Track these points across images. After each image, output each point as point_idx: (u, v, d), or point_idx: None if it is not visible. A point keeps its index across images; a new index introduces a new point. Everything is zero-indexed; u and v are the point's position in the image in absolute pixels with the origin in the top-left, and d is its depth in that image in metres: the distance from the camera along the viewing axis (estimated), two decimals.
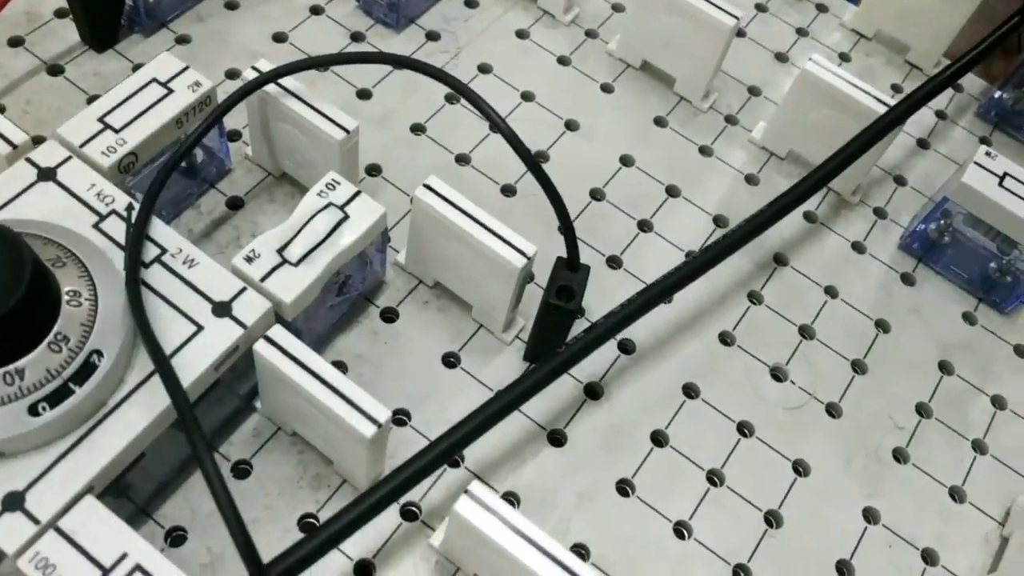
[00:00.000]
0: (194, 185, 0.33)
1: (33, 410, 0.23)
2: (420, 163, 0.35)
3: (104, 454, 0.24)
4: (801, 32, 0.42)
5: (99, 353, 0.24)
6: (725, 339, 0.33)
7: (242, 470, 0.28)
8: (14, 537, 0.22)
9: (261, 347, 0.26)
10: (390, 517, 0.28)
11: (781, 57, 0.41)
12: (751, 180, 0.37)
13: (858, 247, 0.36)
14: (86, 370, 0.23)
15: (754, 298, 0.34)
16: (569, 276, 0.29)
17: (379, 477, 0.28)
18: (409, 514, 0.28)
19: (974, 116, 0.41)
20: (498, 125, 0.28)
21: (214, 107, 0.30)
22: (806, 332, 0.34)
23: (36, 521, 0.22)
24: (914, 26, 0.40)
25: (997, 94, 0.40)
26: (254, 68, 0.30)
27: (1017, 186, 0.33)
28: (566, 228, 0.28)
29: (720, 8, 0.34)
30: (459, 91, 0.29)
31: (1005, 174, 0.33)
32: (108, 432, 0.24)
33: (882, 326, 0.34)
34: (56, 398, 0.23)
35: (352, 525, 0.24)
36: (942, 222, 0.35)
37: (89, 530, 0.23)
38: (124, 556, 0.22)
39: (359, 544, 0.27)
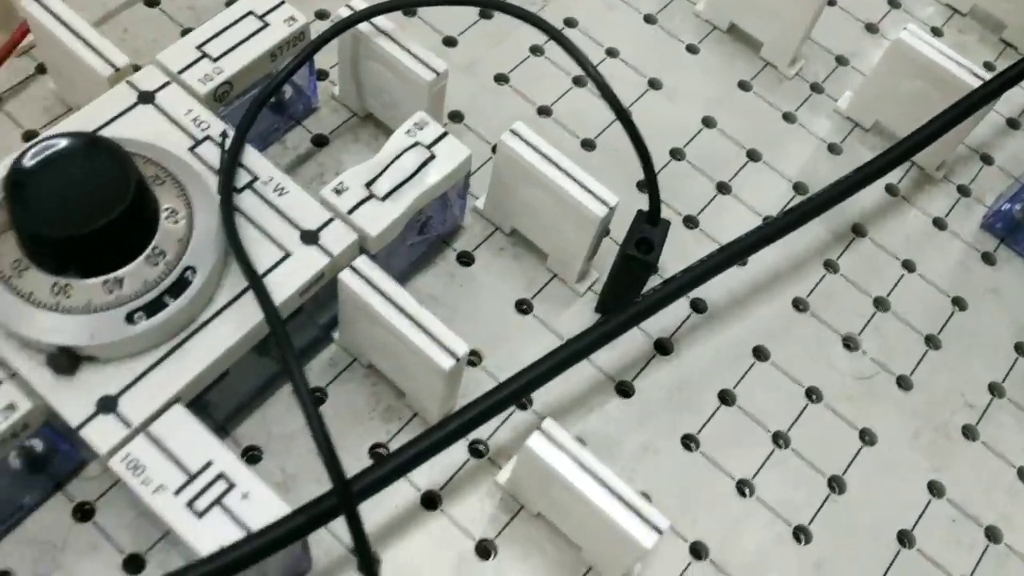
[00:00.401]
0: (281, 121, 0.33)
1: (130, 318, 0.24)
2: (502, 112, 0.35)
3: (194, 366, 0.24)
4: (893, 3, 0.41)
5: (193, 270, 0.24)
6: (798, 305, 0.33)
7: (317, 398, 0.29)
8: (107, 438, 0.23)
9: (346, 276, 0.26)
10: (458, 453, 0.28)
11: (872, 28, 0.40)
12: (834, 149, 0.36)
13: (939, 223, 0.35)
14: (180, 285, 0.24)
15: (830, 267, 0.34)
16: (649, 229, 0.29)
17: (450, 412, 0.28)
18: (476, 452, 0.29)
19: None
20: (590, 73, 0.28)
21: (307, 43, 0.30)
22: (881, 304, 0.33)
23: (128, 424, 0.23)
24: (1011, 2, 0.39)
25: None
26: (348, 6, 0.30)
27: None
28: (649, 181, 0.28)
29: None
30: (553, 36, 0.29)
31: None
32: (198, 346, 0.25)
33: (959, 303, 0.34)
34: (152, 309, 0.24)
35: (429, 451, 0.24)
36: None
37: (177, 437, 0.23)
38: (209, 464, 0.23)
39: (427, 476, 0.28)
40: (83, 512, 0.26)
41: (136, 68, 0.31)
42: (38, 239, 0.23)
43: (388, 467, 0.24)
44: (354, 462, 0.28)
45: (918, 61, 0.33)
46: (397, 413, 0.29)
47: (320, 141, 0.34)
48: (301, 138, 0.34)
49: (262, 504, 0.23)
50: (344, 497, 0.22)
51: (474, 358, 0.30)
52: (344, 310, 0.28)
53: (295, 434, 0.28)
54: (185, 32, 0.35)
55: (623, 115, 0.28)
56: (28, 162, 0.22)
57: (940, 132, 0.32)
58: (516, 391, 0.26)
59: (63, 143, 0.23)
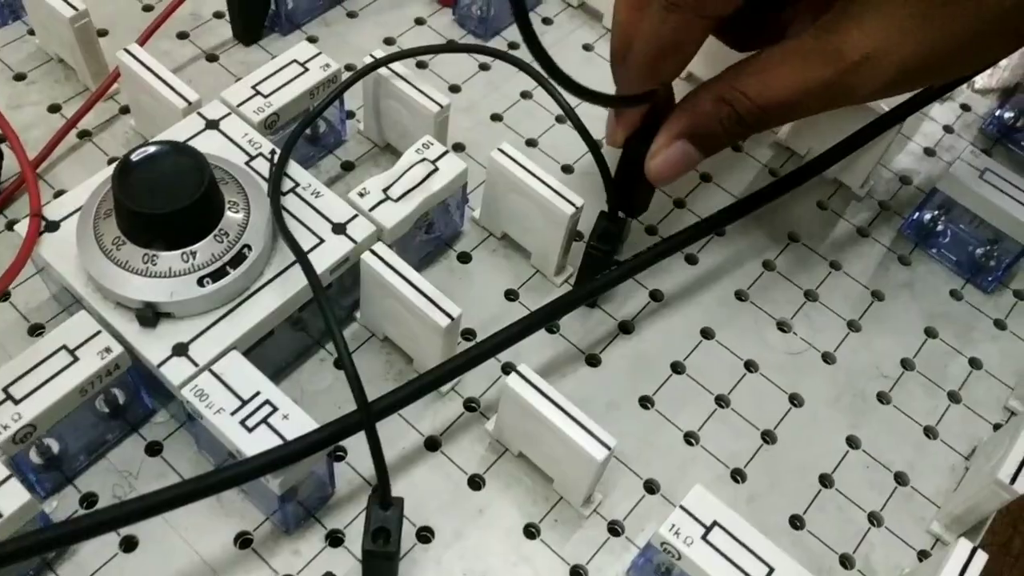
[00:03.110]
0: (316, 150, 0.41)
1: (200, 283, 0.31)
2: (497, 143, 0.42)
3: (247, 322, 0.31)
4: None
5: (249, 247, 0.32)
6: (740, 296, 0.39)
7: (342, 365, 0.36)
8: (180, 374, 0.30)
9: (367, 257, 0.33)
10: (454, 407, 0.35)
11: None
12: (774, 174, 0.44)
13: (862, 231, 0.42)
14: (239, 258, 0.31)
15: (768, 265, 0.41)
16: (609, 226, 0.36)
17: None
18: (470, 407, 0.35)
19: (978, 131, 0.47)
20: (567, 111, 0.36)
21: (339, 84, 0.38)
22: (810, 295, 0.40)
23: (196, 364, 0.30)
24: None
25: (998, 112, 0.46)
26: (371, 56, 0.38)
27: (996, 179, 0.39)
28: (606, 181, 0.35)
29: None
30: (540, 82, 0.37)
31: (986, 169, 0.39)
32: (252, 307, 0.32)
33: (877, 295, 0.40)
34: (217, 275, 0.31)
35: (431, 384, 0.31)
36: (936, 212, 0.41)
37: (234, 373, 0.30)
38: (258, 393, 0.30)
39: (430, 424, 0.34)
40: (153, 449, 0.33)
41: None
42: (135, 216, 0.30)
43: (400, 394, 0.30)
44: None
45: None
46: (407, 376, 0.36)
47: (348, 167, 0.41)
48: (332, 164, 0.41)
49: (299, 423, 0.30)
50: (366, 414, 0.29)
51: (470, 336, 0.37)
52: (365, 288, 0.35)
53: (324, 391, 0.35)
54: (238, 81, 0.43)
55: (592, 145, 0.35)
56: (133, 158, 0.30)
57: (850, 149, 0.39)
58: (494, 346, 0.33)
59: (158, 148, 0.31)
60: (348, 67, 0.44)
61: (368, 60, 0.38)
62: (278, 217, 0.33)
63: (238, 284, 0.32)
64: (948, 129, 0.47)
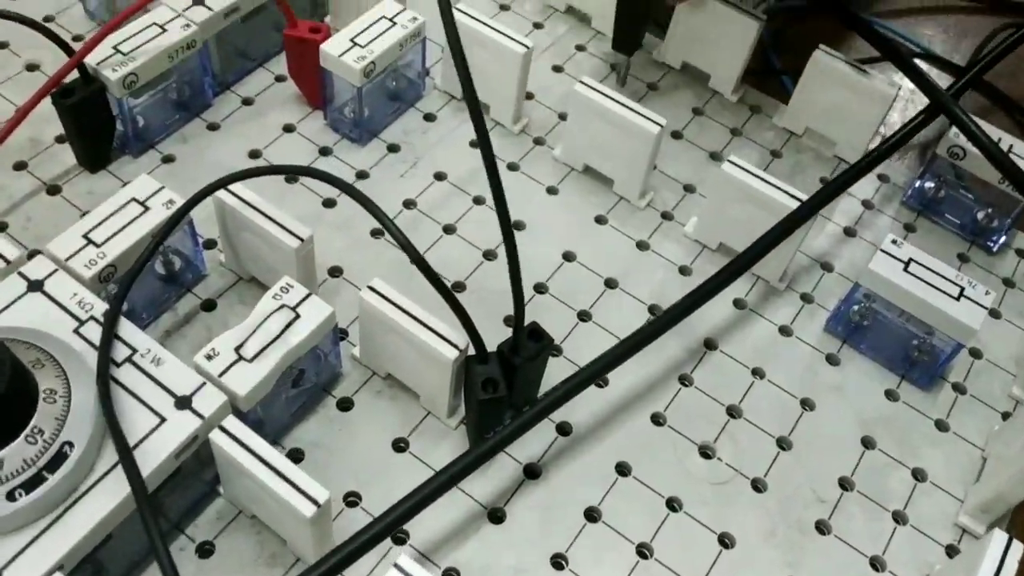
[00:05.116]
0: (173, 290, 0.36)
1: (11, 496, 0.26)
2: (378, 263, 0.38)
3: (73, 535, 0.27)
4: (735, 132, 0.45)
5: (70, 444, 0.27)
6: (657, 419, 0.36)
7: (206, 550, 0.31)
8: None
9: (216, 435, 0.29)
10: None
11: (715, 156, 0.44)
12: (684, 271, 0.40)
13: (785, 331, 0.39)
14: (58, 459, 0.27)
15: (685, 380, 0.37)
16: (485, 369, 0.31)
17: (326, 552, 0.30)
18: None
19: (899, 204, 0.44)
20: (386, 226, 0.31)
21: (168, 222, 0.33)
22: (734, 412, 0.36)
23: None
24: (838, 123, 0.44)
25: (918, 183, 0.43)
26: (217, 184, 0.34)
27: (921, 271, 0.36)
28: (465, 324, 0.31)
29: (645, 116, 0.38)
30: (345, 191, 0.32)
31: (910, 260, 0.36)
32: (77, 515, 0.27)
33: (807, 404, 0.37)
34: (31, 485, 0.26)
35: None
36: (863, 305, 0.37)
37: None
38: None
39: None
40: None
41: (36, 254, 0.35)
42: None
43: None
44: None
45: (742, 188, 0.37)
46: (281, 559, 0.31)
47: (208, 306, 0.36)
48: (191, 303, 0.36)
49: None
50: None
51: (354, 499, 0.32)
52: (220, 466, 0.30)
53: None
54: (84, 214, 0.38)
55: (417, 258, 0.30)
56: None
57: (768, 249, 0.36)
58: (377, 533, 0.28)
59: None
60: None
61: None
62: (105, 403, 0.28)
63: (59, 490, 0.27)
64: (867, 204, 0.43)
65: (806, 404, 0.37)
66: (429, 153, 0.42)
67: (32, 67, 0.43)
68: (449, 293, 0.31)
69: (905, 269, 0.36)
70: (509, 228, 0.31)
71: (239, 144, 0.41)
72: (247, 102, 0.43)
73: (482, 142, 0.31)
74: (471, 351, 0.32)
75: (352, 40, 0.39)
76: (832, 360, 0.38)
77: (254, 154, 0.41)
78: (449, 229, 0.40)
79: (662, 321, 0.34)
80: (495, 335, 0.33)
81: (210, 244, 0.38)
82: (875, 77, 0.42)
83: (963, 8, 0.56)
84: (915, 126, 0.39)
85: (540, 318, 0.35)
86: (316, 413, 0.34)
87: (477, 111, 0.31)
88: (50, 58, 0.39)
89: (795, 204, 0.36)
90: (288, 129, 0.42)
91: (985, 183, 0.41)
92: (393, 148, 0.42)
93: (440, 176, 0.42)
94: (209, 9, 0.40)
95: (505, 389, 0.31)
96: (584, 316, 0.38)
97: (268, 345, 0.31)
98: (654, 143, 0.38)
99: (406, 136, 0.43)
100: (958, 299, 0.35)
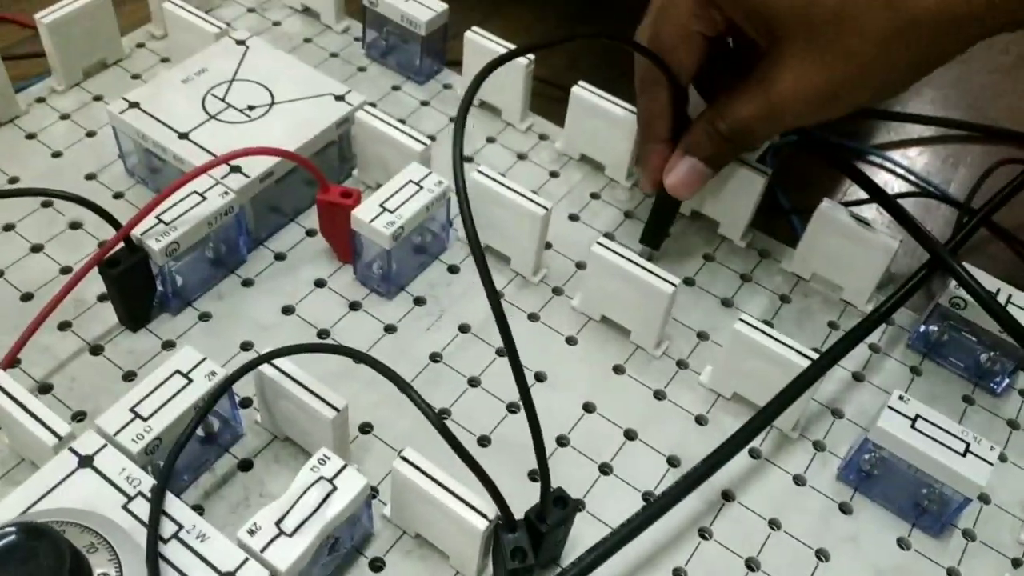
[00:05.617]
0: (211, 451, 0.38)
1: None
2: (406, 419, 0.40)
3: None
4: (745, 277, 0.47)
5: None
6: (679, 575, 0.37)
7: None
8: None
9: None
10: None
11: (727, 303, 0.46)
12: (700, 421, 0.41)
13: (799, 480, 0.40)
14: None
15: (704, 533, 0.38)
16: (514, 538, 0.33)
17: None
18: None
19: (905, 347, 0.45)
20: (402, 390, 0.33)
21: (216, 391, 0.35)
22: (752, 564, 0.37)
23: None
24: (843, 271, 0.46)
25: (923, 328, 0.45)
26: (257, 351, 0.36)
27: (928, 427, 0.37)
28: (493, 495, 0.32)
29: (659, 276, 0.40)
30: (371, 365, 0.35)
31: (917, 416, 0.37)
32: None
33: (822, 555, 0.38)
34: None
35: None
36: (873, 455, 0.39)
37: None
38: None
39: None
40: None
41: (80, 416, 0.36)
42: None
43: None
44: None
45: (754, 347, 0.39)
46: None
47: (245, 466, 0.38)
48: (229, 464, 0.38)
49: None
50: None
51: None
52: None
53: None
54: (126, 375, 0.40)
55: (441, 427, 0.32)
56: None
57: (785, 405, 0.38)
58: None
59: (11, 537, 0.28)
60: (244, 346, 0.42)
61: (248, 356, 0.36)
62: None
63: None
64: (874, 348, 0.45)
65: (821, 555, 0.38)
66: (453, 305, 0.44)
67: (75, 225, 0.46)
68: (475, 464, 0.32)
69: (912, 426, 0.37)
70: (531, 403, 0.33)
71: (272, 300, 0.44)
72: (279, 257, 0.45)
73: (501, 326, 0.33)
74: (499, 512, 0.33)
75: (381, 205, 0.42)
76: (845, 509, 0.39)
77: (287, 310, 0.43)
78: (474, 382, 0.42)
79: (689, 480, 0.36)
80: (521, 490, 0.35)
81: (246, 403, 0.40)
82: (878, 231, 0.44)
83: (963, 138, 0.59)
84: (919, 280, 0.41)
85: (563, 472, 0.37)
86: (350, 575, 0.36)
87: (495, 296, 0.33)
88: (92, 217, 0.42)
89: (805, 362, 0.38)
90: (319, 284, 0.44)
91: (987, 329, 0.43)
92: (419, 301, 0.44)
93: (464, 328, 0.44)
94: (246, 176, 0.43)
95: (533, 558, 0.33)
96: (605, 469, 0.39)
97: (307, 519, 0.32)
98: (668, 301, 0.40)
99: (431, 289, 0.45)
100: (964, 455, 0.36)
